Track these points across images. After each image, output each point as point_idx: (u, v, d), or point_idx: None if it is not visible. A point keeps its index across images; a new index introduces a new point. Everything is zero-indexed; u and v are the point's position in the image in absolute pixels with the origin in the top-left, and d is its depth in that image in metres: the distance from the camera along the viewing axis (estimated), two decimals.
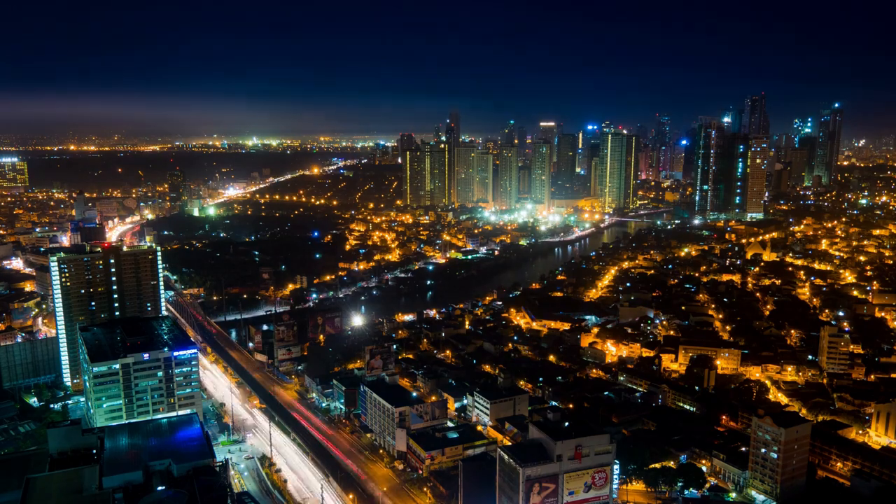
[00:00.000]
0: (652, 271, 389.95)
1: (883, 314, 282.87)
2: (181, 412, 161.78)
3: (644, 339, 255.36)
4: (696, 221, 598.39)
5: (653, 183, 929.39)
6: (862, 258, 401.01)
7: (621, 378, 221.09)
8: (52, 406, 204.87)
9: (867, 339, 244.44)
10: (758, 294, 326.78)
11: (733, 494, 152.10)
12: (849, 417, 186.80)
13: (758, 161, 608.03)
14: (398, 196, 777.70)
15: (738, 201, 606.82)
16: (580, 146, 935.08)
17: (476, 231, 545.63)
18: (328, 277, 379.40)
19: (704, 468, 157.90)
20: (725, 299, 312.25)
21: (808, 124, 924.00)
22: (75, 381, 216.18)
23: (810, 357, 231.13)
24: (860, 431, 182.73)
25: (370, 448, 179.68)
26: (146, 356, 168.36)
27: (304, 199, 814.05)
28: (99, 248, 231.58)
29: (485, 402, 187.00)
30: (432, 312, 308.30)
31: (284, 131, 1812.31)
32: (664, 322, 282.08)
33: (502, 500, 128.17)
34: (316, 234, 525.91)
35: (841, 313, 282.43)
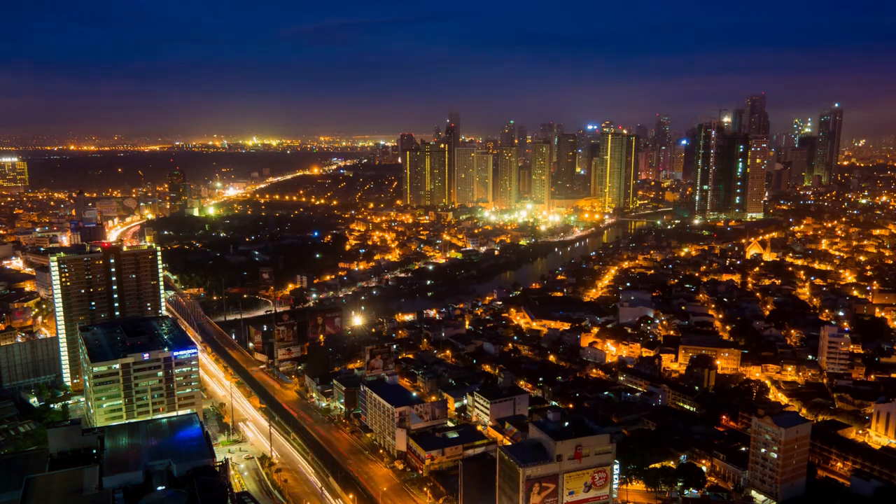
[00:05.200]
0: (652, 271, 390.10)
1: (883, 314, 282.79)
2: (181, 412, 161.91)
3: (644, 339, 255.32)
4: (696, 221, 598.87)
5: (653, 183, 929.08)
6: (862, 258, 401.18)
7: (621, 378, 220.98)
8: (52, 406, 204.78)
9: (867, 339, 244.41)
10: (758, 294, 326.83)
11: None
12: (849, 417, 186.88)
13: (758, 161, 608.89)
14: (398, 196, 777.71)
15: (738, 201, 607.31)
16: (580, 146, 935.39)
17: (476, 231, 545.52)
18: (328, 277, 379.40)
19: (704, 468, 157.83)
20: (725, 299, 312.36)
21: (808, 124, 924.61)
22: (75, 381, 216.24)
23: (810, 357, 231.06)
24: (860, 431, 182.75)
25: (370, 448, 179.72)
26: (146, 356, 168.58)
27: (304, 199, 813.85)
28: (99, 248, 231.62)
29: (485, 402, 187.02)
30: (432, 312, 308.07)
31: (284, 131, 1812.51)
32: (664, 322, 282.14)
33: (502, 500, 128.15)
34: (316, 234, 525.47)
35: (841, 313, 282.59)
